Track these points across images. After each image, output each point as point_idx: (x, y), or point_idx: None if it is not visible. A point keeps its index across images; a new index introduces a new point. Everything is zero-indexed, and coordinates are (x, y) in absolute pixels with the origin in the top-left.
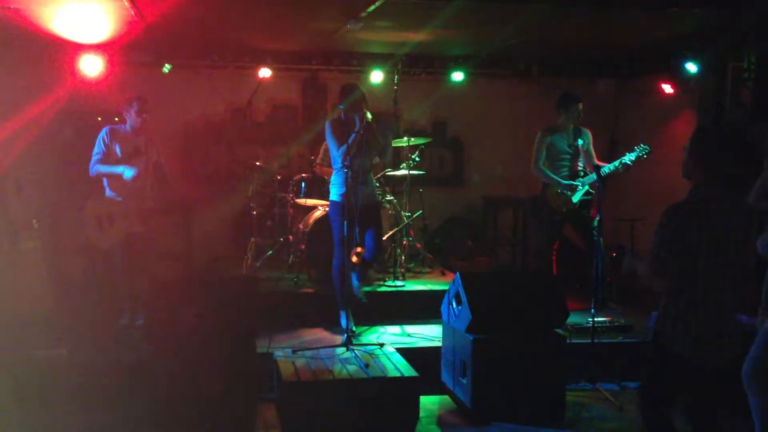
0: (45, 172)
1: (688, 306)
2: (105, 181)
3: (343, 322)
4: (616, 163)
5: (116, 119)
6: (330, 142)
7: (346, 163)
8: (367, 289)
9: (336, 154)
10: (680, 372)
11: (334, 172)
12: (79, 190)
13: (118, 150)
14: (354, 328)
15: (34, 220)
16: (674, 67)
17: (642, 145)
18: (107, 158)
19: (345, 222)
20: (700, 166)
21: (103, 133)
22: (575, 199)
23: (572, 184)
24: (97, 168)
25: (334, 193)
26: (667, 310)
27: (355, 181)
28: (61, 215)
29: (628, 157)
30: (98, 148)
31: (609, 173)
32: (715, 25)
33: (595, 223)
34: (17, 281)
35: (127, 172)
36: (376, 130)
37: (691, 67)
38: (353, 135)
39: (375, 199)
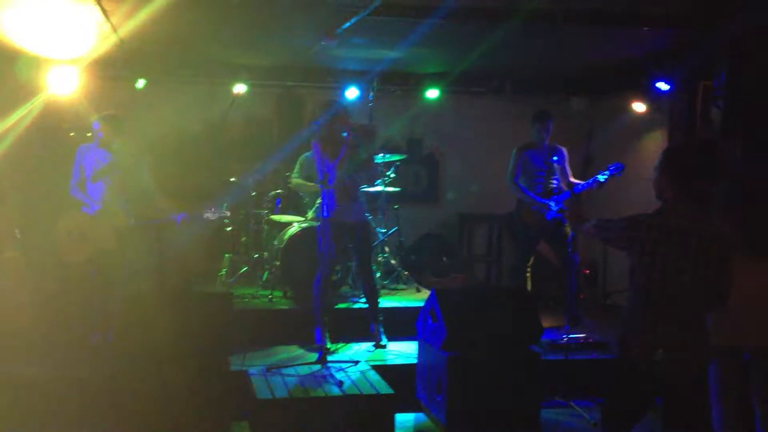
0: (19, 185)
1: (645, 318)
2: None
3: (318, 339)
4: (590, 181)
5: (89, 134)
6: (319, 161)
7: (338, 176)
8: (342, 306)
9: (328, 170)
10: (641, 385)
11: (322, 190)
12: (50, 204)
13: (88, 167)
14: (329, 345)
15: (17, 230)
16: (646, 86)
17: (616, 164)
18: (79, 179)
19: (330, 239)
20: (669, 184)
21: (77, 152)
22: (549, 216)
23: (546, 203)
24: (73, 193)
25: (324, 210)
26: (628, 322)
27: (344, 199)
28: (33, 229)
29: (602, 175)
30: (74, 168)
31: (583, 191)
32: (686, 45)
33: (569, 240)
34: None
35: (93, 208)
36: (357, 145)
37: (663, 86)
38: (344, 148)
39: (365, 217)
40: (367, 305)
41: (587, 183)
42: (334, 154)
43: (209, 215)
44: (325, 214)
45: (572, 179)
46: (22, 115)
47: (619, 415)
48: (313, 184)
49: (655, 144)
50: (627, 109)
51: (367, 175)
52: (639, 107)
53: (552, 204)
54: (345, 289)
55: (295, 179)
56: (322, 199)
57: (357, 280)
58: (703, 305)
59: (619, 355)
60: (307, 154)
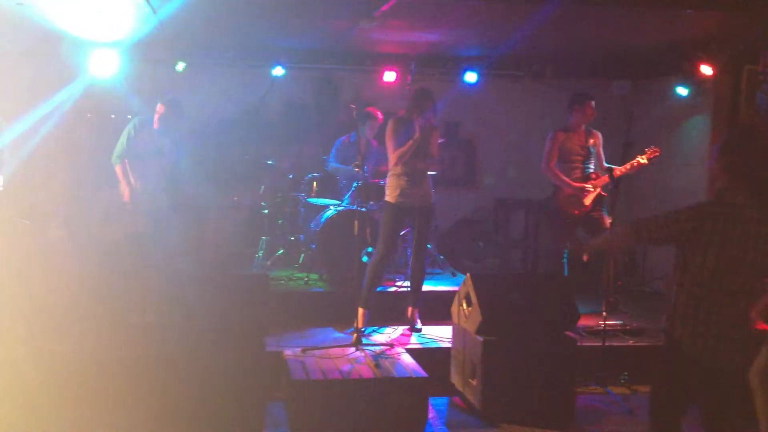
0: (63, 165)
1: (698, 306)
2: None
3: (359, 321)
4: (628, 165)
5: (129, 116)
6: (388, 141)
7: (401, 162)
8: (378, 289)
9: (395, 153)
10: (691, 373)
11: (389, 173)
12: (89, 186)
13: (141, 145)
14: (363, 329)
15: (62, 209)
16: (689, 70)
17: (652, 148)
18: (131, 150)
19: (394, 223)
20: (724, 169)
21: (136, 121)
22: (587, 201)
23: (584, 187)
24: (115, 161)
25: (389, 194)
26: (676, 309)
27: (409, 184)
28: (73, 210)
29: (639, 160)
30: (126, 137)
31: (621, 175)
32: (731, 28)
33: (605, 225)
34: (42, 270)
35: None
36: (434, 139)
37: (707, 70)
38: (410, 140)
39: (428, 201)
40: (408, 288)
41: (625, 167)
42: (402, 140)
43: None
44: (390, 198)
45: (606, 164)
46: (65, 98)
47: (667, 406)
48: (349, 168)
49: (697, 129)
50: (669, 94)
51: (432, 160)
52: (682, 91)
53: (589, 187)
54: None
55: (331, 164)
56: (388, 184)
57: (395, 264)
58: (757, 293)
59: (666, 344)
60: (343, 137)
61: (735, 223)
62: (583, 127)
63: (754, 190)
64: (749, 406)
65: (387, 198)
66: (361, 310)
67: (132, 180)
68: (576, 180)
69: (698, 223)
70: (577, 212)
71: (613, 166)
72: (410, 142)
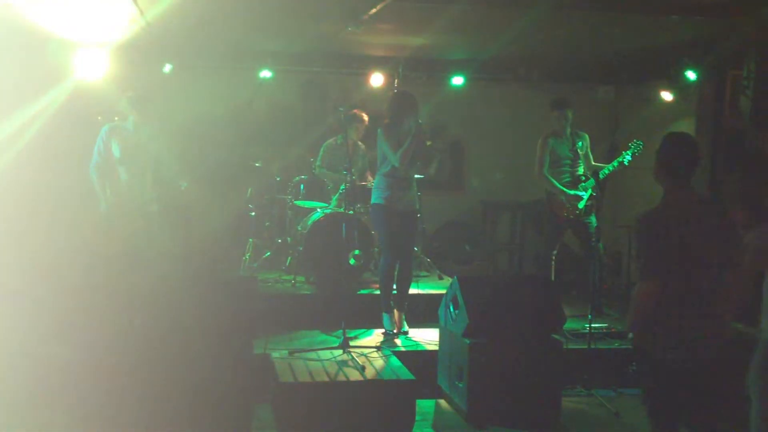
0: (46, 170)
1: (670, 309)
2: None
3: (386, 324)
4: (614, 163)
5: (116, 118)
6: (383, 147)
7: (403, 165)
8: (364, 292)
9: (392, 158)
10: (663, 375)
11: (378, 175)
12: (77, 190)
13: (116, 149)
14: (350, 333)
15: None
16: (674, 75)
17: (636, 141)
18: (103, 160)
19: (390, 225)
20: (664, 171)
21: (102, 132)
22: (581, 205)
23: (577, 194)
24: (92, 174)
25: (377, 196)
26: (653, 313)
27: (398, 187)
28: (59, 215)
29: (624, 156)
30: (96, 148)
31: (608, 174)
32: (715, 33)
33: (593, 229)
34: (27, 275)
35: (102, 205)
36: (425, 139)
37: (691, 75)
38: (409, 139)
39: (414, 206)
40: (395, 291)
41: (611, 166)
42: (398, 143)
43: None
44: (379, 200)
45: (594, 163)
46: (51, 100)
47: (659, 408)
48: (336, 173)
49: None
50: (654, 98)
51: (422, 164)
52: (666, 96)
53: (583, 194)
54: (367, 274)
55: (319, 167)
56: (376, 186)
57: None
58: (725, 290)
59: (635, 344)
60: (330, 141)
61: (689, 223)
62: (569, 130)
63: (692, 188)
64: (738, 408)
65: (376, 200)
66: (385, 315)
67: (108, 189)
68: (566, 183)
69: (664, 230)
70: (569, 216)
71: (599, 166)
72: (410, 138)
